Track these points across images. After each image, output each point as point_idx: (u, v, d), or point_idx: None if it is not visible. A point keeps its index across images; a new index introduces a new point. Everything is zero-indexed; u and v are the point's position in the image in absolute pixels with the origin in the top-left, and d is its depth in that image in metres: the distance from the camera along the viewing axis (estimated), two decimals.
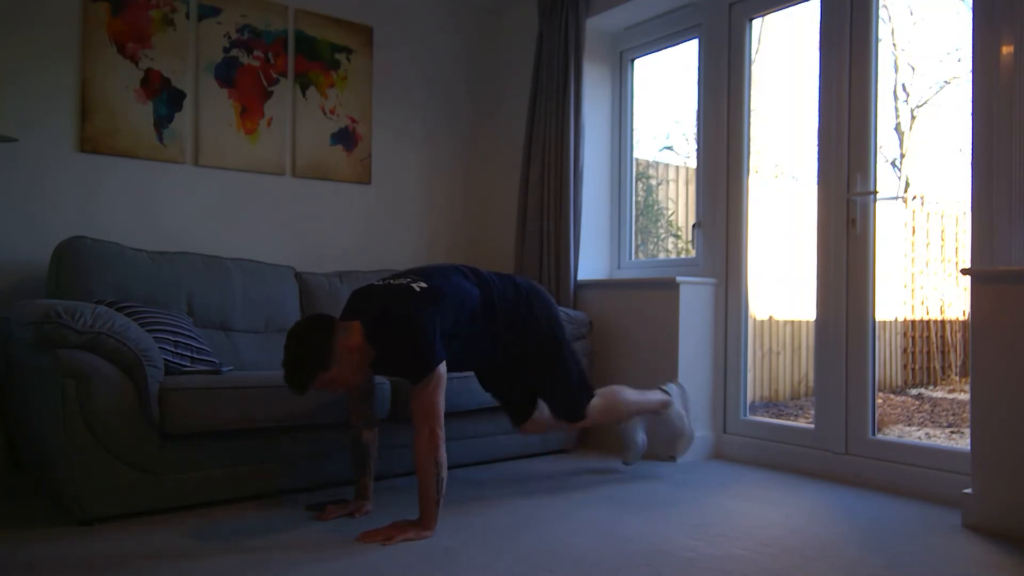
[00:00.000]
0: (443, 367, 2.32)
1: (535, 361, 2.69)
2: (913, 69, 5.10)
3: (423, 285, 2.38)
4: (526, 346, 2.65)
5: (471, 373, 2.96)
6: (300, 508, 2.55)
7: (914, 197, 5.06)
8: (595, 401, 2.81)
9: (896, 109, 5.05)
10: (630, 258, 4.06)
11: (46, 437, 2.45)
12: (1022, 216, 2.49)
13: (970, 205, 2.59)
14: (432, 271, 2.51)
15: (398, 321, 2.30)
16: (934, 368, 5.16)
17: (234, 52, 3.61)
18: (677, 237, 4.64)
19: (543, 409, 2.81)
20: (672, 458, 3.11)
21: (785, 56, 4.63)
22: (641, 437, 3.14)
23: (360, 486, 2.55)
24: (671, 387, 3.13)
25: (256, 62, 3.67)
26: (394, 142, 4.14)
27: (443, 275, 2.49)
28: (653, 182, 4.64)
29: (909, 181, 5.13)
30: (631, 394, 2.98)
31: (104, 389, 2.33)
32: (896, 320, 5.08)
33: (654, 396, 3.05)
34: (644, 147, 4.41)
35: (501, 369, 2.73)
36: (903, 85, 5.06)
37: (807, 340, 5.08)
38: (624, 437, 3.15)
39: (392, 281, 2.45)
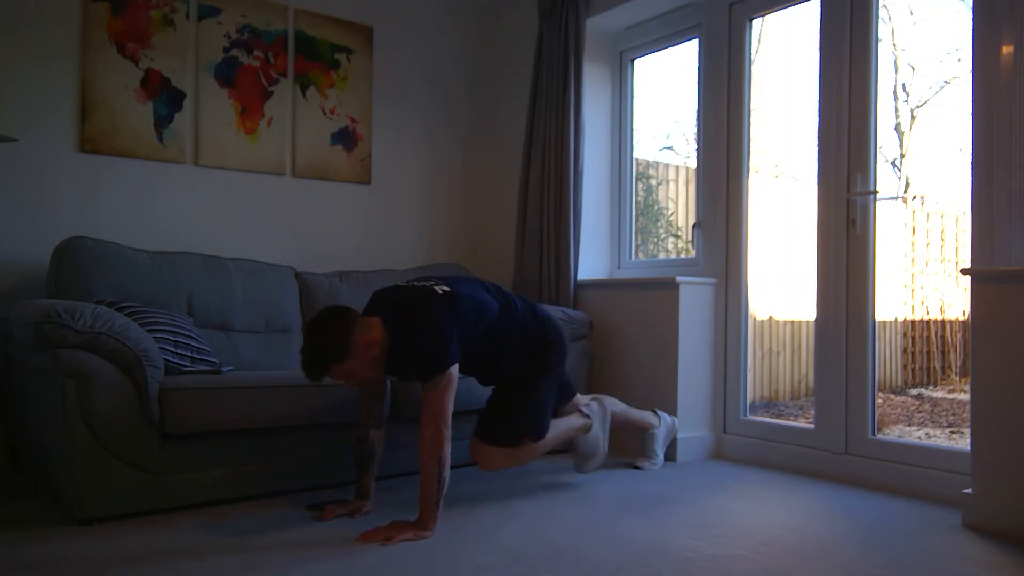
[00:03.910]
0: (455, 369, 2.35)
1: (521, 380, 2.67)
2: (913, 69, 5.10)
3: (445, 289, 2.44)
4: (528, 367, 2.66)
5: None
6: (300, 508, 2.55)
7: (914, 197, 5.06)
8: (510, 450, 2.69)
9: (896, 109, 5.04)
10: (630, 258, 4.06)
11: (46, 437, 2.45)
12: (1022, 216, 2.49)
13: (970, 205, 2.59)
14: (456, 279, 2.57)
15: (416, 320, 2.34)
16: (934, 368, 5.16)
17: (234, 52, 3.61)
18: (677, 237, 4.64)
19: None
20: (579, 472, 3.05)
21: (785, 56, 4.63)
22: (603, 446, 3.00)
23: (361, 485, 2.55)
24: (592, 407, 3.00)
25: (256, 62, 3.67)
26: (394, 142, 4.14)
27: (466, 284, 2.55)
28: (653, 182, 4.64)
29: (909, 181, 5.13)
30: (548, 436, 2.80)
31: (104, 389, 2.33)
32: (896, 320, 5.07)
33: (573, 423, 2.92)
34: (644, 147, 4.41)
35: (502, 383, 2.73)
36: (903, 85, 5.06)
37: (807, 340, 5.08)
38: (580, 448, 3.02)
39: (415, 283, 2.51)
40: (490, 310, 2.54)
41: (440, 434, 2.28)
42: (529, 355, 2.66)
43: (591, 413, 2.99)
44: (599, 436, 3.01)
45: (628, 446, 3.33)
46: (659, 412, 3.24)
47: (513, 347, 2.62)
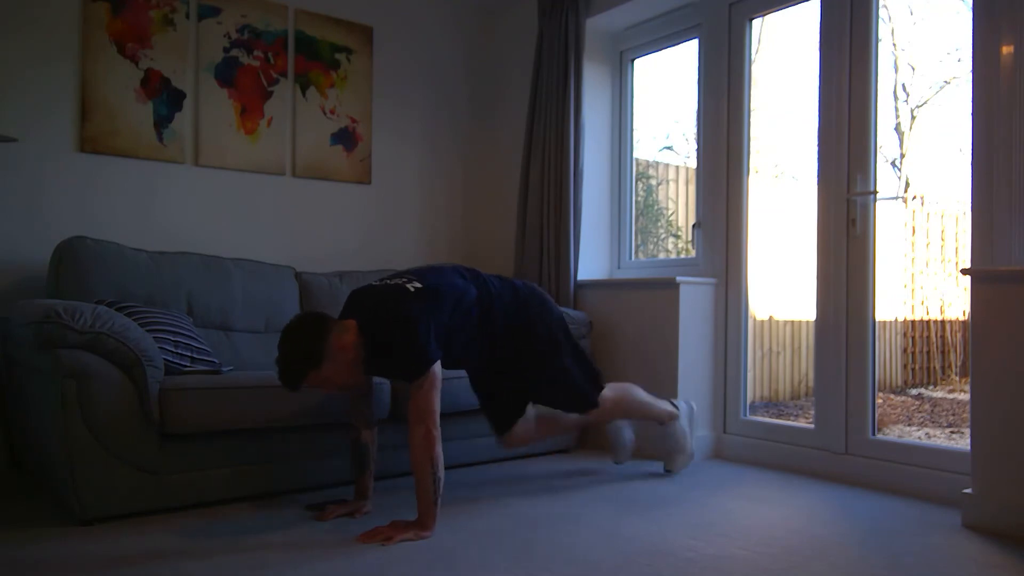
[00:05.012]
0: (438, 367, 2.33)
1: (535, 361, 2.68)
2: (913, 69, 5.11)
3: (418, 285, 2.39)
4: (525, 346, 2.65)
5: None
6: (300, 508, 2.55)
7: (914, 197, 5.06)
8: (607, 392, 2.85)
9: (896, 109, 5.05)
10: (630, 258, 4.06)
11: (46, 437, 2.45)
12: (1022, 216, 2.49)
13: (970, 205, 2.59)
14: (429, 271, 2.52)
15: (392, 322, 2.31)
16: (934, 368, 5.17)
17: (234, 52, 3.61)
18: (677, 237, 4.64)
19: (528, 421, 2.81)
20: (669, 472, 3.09)
21: (785, 56, 4.63)
22: (628, 435, 3.17)
23: (359, 486, 2.55)
24: (680, 404, 3.13)
25: (256, 62, 3.67)
26: (394, 142, 4.14)
27: (440, 275, 2.50)
28: (653, 182, 4.64)
29: (909, 181, 5.13)
30: (643, 395, 3.00)
31: (104, 389, 2.33)
32: (896, 320, 5.08)
33: (663, 405, 3.07)
34: (644, 147, 4.41)
35: (496, 370, 2.72)
36: (903, 85, 5.06)
37: (807, 340, 5.08)
38: (612, 437, 3.17)
39: (388, 281, 2.47)
40: (467, 297, 2.50)
41: (430, 434, 2.27)
42: (522, 333, 2.64)
43: (679, 407, 3.10)
44: (686, 432, 3.09)
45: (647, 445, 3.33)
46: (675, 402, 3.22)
47: (502, 328, 2.59)
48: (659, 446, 3.14)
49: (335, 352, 2.25)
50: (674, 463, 3.08)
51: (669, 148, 4.82)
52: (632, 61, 4.08)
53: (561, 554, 2.13)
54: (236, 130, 3.62)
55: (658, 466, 3.17)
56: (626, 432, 3.16)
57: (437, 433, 2.29)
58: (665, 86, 4.27)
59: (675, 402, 3.13)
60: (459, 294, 2.47)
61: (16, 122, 3.10)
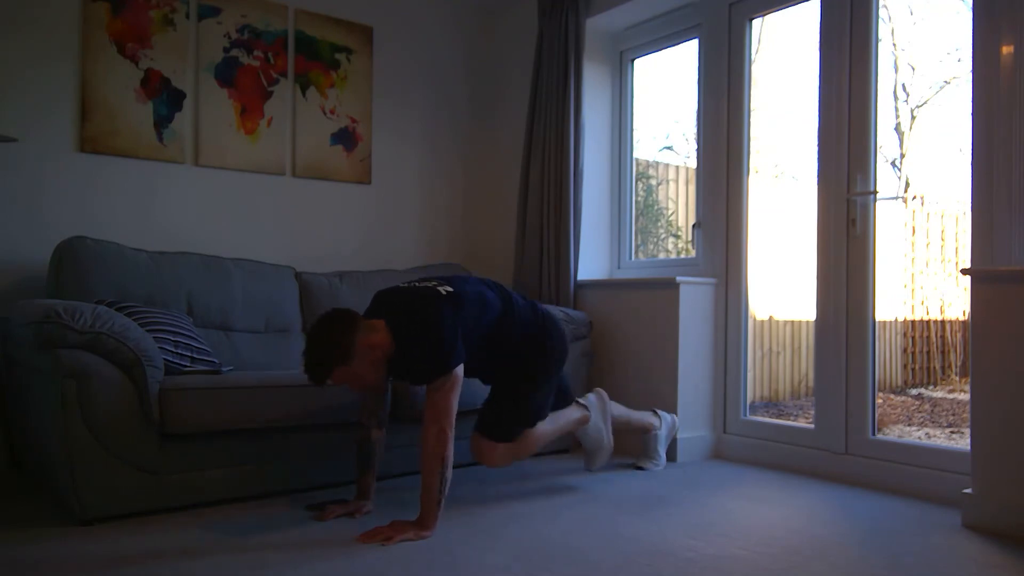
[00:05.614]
0: (460, 369, 2.35)
1: (519, 378, 2.66)
2: (913, 69, 5.11)
3: (449, 289, 2.44)
4: (527, 365, 2.66)
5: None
6: (300, 508, 2.55)
7: (914, 197, 5.06)
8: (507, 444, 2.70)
9: (896, 109, 5.05)
10: (630, 258, 4.06)
11: (46, 437, 2.45)
12: (1022, 216, 2.49)
13: (970, 205, 2.59)
14: (458, 279, 2.57)
15: (421, 321, 2.33)
16: (934, 368, 5.17)
17: (234, 52, 3.61)
18: (677, 237, 4.64)
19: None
20: (589, 471, 3.06)
21: (785, 56, 4.63)
22: (606, 435, 3.03)
23: (362, 485, 2.55)
24: (589, 398, 3.02)
25: (256, 62, 3.67)
26: (394, 142, 4.14)
27: (468, 284, 2.55)
28: (653, 182, 4.64)
29: (909, 181, 5.13)
30: (545, 428, 2.80)
31: (104, 389, 2.33)
32: (896, 320, 5.08)
33: (571, 415, 2.92)
34: (644, 147, 4.41)
35: (494, 377, 2.73)
36: (903, 85, 5.06)
37: (807, 340, 5.08)
38: (585, 443, 3.05)
39: (418, 283, 2.51)
40: (492, 309, 2.54)
41: (444, 434, 2.28)
42: (529, 353, 2.65)
43: (588, 404, 3.00)
44: (601, 428, 3.01)
45: (630, 447, 3.33)
46: (659, 412, 3.24)
47: (514, 345, 2.61)
48: (583, 447, 3.09)
49: (364, 350, 2.27)
50: (593, 461, 3.03)
51: (669, 148, 4.82)
52: (632, 61, 4.08)
53: (561, 553, 2.13)
54: (236, 130, 3.62)
55: (664, 466, 3.17)
56: (605, 435, 3.03)
57: (451, 433, 2.30)
58: (665, 86, 4.27)
59: (583, 401, 3.00)
60: (485, 304, 2.52)
61: (16, 122, 3.10)
